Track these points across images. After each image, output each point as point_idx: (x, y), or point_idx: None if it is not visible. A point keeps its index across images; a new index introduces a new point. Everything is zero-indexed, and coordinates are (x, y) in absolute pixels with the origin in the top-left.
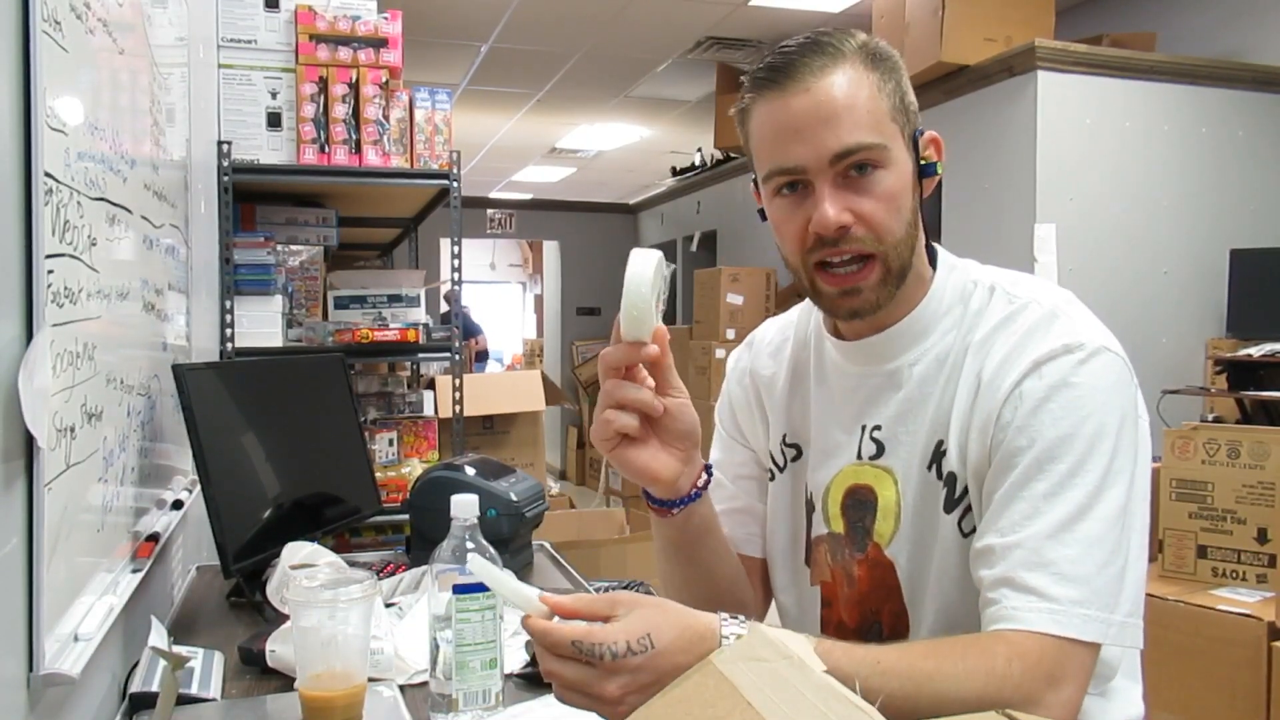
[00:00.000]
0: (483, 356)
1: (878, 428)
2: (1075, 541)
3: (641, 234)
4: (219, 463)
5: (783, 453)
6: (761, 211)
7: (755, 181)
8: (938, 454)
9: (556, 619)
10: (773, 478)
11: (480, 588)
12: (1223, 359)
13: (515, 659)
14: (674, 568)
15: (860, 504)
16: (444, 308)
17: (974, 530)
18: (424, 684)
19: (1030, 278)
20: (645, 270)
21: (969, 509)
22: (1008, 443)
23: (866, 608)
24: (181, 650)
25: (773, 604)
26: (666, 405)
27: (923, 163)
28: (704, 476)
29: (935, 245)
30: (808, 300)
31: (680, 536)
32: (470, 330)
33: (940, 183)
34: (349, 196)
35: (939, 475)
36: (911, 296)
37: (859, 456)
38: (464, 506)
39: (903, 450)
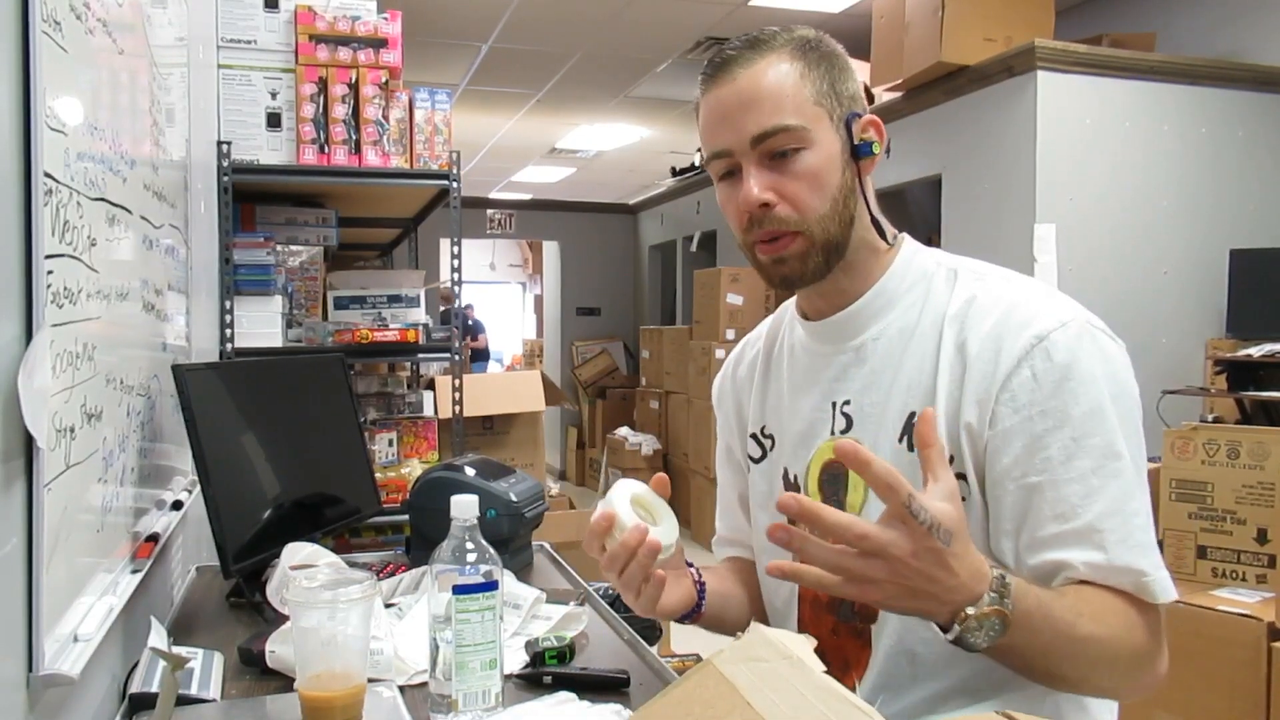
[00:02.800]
0: (482, 356)
1: (847, 403)
2: (1136, 511)
3: (641, 234)
4: (219, 463)
5: (760, 444)
6: None
7: None
8: (909, 426)
9: None
10: (749, 469)
11: (480, 588)
12: (1222, 359)
13: (515, 659)
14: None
15: (834, 478)
16: (442, 306)
17: (962, 498)
18: (424, 684)
19: (993, 265)
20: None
21: (957, 477)
22: (1029, 425)
23: None
24: (181, 651)
25: None
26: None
27: (858, 143)
28: (698, 581)
29: (902, 234)
30: (785, 302)
31: (710, 620)
32: (474, 330)
33: (940, 183)
34: (349, 197)
35: (911, 447)
36: (870, 274)
37: (832, 433)
38: (464, 507)
39: (870, 423)
